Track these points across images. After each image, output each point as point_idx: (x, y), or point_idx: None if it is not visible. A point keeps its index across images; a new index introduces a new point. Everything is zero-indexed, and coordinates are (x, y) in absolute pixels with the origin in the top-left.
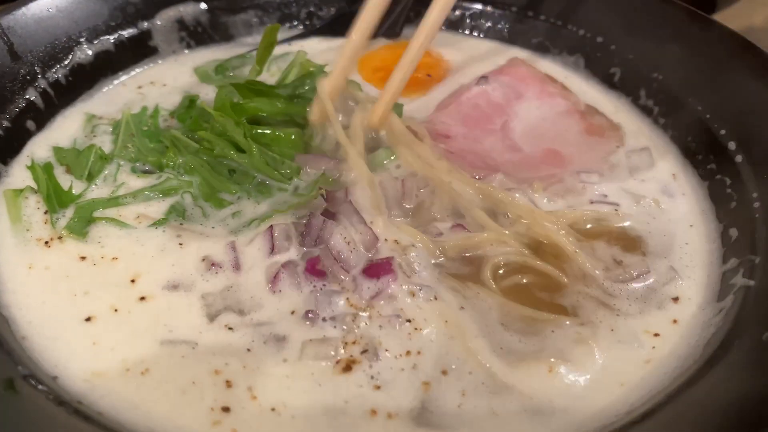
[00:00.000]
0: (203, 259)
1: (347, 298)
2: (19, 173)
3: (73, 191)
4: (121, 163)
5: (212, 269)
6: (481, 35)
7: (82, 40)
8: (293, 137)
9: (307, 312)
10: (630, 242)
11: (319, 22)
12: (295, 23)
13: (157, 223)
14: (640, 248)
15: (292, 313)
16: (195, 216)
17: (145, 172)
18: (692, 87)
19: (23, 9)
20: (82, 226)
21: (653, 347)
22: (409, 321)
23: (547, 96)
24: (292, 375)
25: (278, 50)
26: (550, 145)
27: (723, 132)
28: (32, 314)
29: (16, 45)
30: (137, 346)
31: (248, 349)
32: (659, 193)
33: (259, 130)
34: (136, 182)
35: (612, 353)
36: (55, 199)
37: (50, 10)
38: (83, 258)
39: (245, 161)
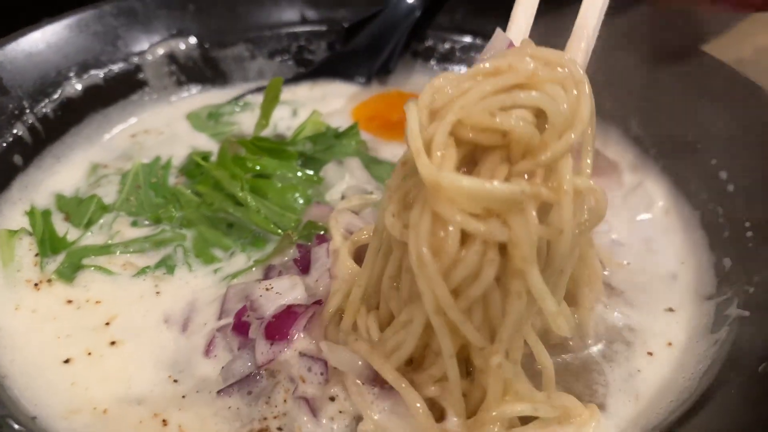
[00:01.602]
0: (165, 317)
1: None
2: (8, 211)
3: (68, 238)
4: (121, 213)
5: (167, 324)
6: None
7: (71, 74)
8: (299, 189)
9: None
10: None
11: (310, 55)
12: (286, 57)
13: (141, 272)
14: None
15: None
16: (182, 270)
17: (143, 224)
18: (682, 117)
19: (13, 44)
20: (71, 272)
21: (646, 382)
22: None
23: None
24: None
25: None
26: None
27: (714, 161)
28: (15, 354)
29: (5, 79)
30: (103, 388)
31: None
32: (654, 228)
33: (262, 182)
34: (131, 232)
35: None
36: (49, 244)
37: (40, 44)
38: (70, 302)
39: (242, 214)
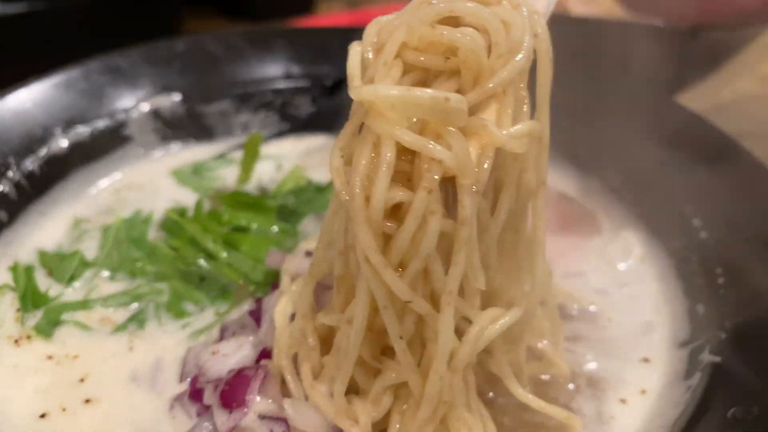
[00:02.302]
0: (133, 375)
1: None
2: None
3: (51, 293)
4: (104, 270)
5: (136, 382)
6: None
7: (57, 131)
8: (274, 241)
9: None
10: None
11: (294, 110)
12: (271, 112)
13: (118, 329)
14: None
15: None
16: (152, 324)
17: (121, 279)
18: (657, 167)
19: (0, 102)
20: (50, 328)
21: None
22: None
23: None
24: None
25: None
26: None
27: (688, 209)
28: None
29: None
30: None
31: None
32: (631, 276)
33: (237, 235)
34: (109, 287)
35: None
36: (31, 300)
37: (27, 103)
38: (50, 357)
39: (213, 267)
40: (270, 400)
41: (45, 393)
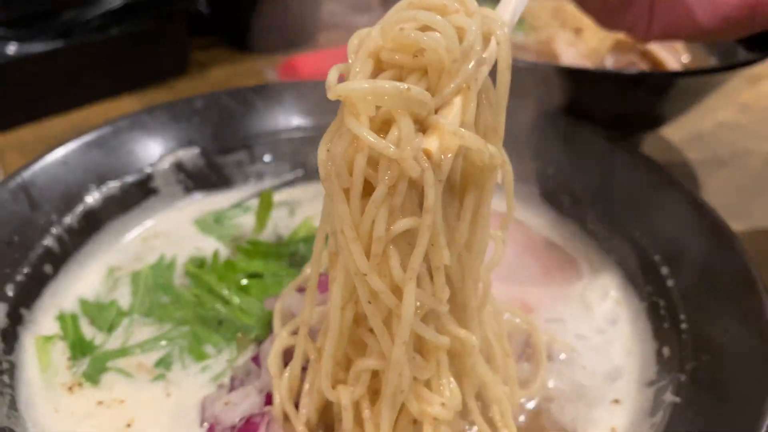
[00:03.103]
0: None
1: None
2: (42, 318)
3: (96, 341)
4: (137, 317)
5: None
6: None
7: (92, 186)
8: (282, 284)
9: None
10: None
11: (303, 157)
12: (282, 160)
13: (156, 378)
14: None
15: None
16: (176, 368)
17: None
18: (628, 215)
19: (40, 162)
20: (96, 374)
21: None
22: None
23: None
24: None
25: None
26: (518, 296)
27: (657, 257)
28: None
29: (35, 196)
30: None
31: None
32: (606, 319)
33: (252, 282)
34: (142, 333)
35: None
36: (79, 348)
37: (63, 162)
38: (100, 403)
39: (228, 311)
40: None
41: None
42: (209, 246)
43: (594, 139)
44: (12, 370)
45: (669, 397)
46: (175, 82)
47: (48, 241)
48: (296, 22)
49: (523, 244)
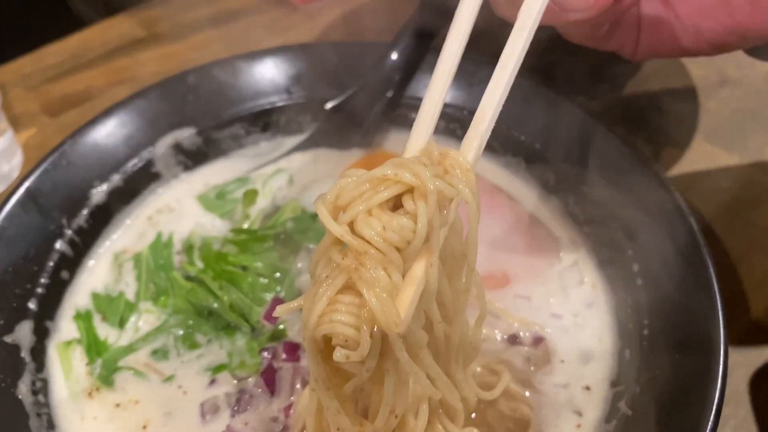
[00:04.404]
0: (202, 406)
1: None
2: (65, 325)
3: (109, 340)
4: (143, 306)
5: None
6: (441, 138)
7: (96, 182)
8: (266, 286)
9: None
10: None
11: (298, 126)
12: (276, 130)
13: (167, 380)
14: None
15: None
16: (173, 356)
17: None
18: (607, 204)
19: (43, 166)
20: (109, 375)
21: None
22: None
23: (497, 208)
24: None
25: (269, 169)
26: (500, 266)
27: (630, 252)
28: None
29: (43, 204)
30: None
31: None
32: (581, 306)
33: (239, 275)
34: (147, 325)
35: None
36: (95, 350)
37: (65, 162)
38: (118, 405)
39: (218, 305)
40: None
41: None
42: (210, 223)
43: (582, 120)
44: (45, 387)
45: (623, 407)
46: None
47: (61, 246)
48: None
49: (512, 221)
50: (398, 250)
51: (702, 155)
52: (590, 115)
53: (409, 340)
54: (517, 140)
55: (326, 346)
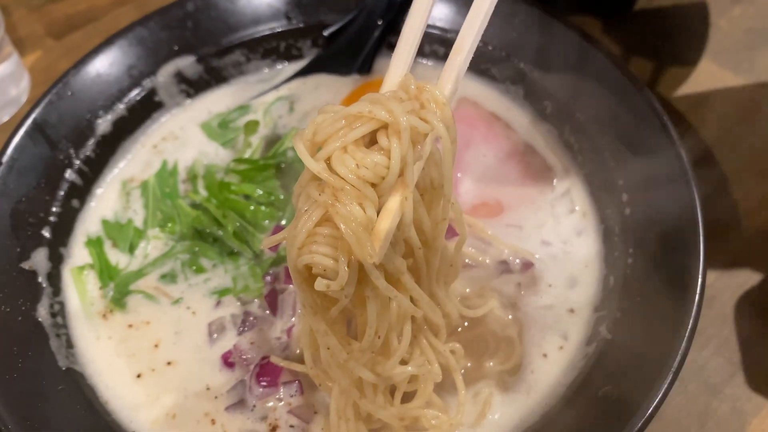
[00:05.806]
0: (210, 326)
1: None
2: (78, 251)
3: (120, 265)
4: (151, 233)
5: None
6: (429, 62)
7: (100, 112)
8: (267, 213)
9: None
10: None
11: (298, 52)
12: (276, 56)
13: (175, 302)
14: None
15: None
16: (180, 280)
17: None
18: (601, 132)
19: (48, 98)
20: (121, 298)
21: (538, 383)
22: None
23: (492, 137)
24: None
25: (270, 96)
26: (494, 195)
27: (621, 182)
28: (106, 378)
29: (51, 135)
30: (168, 398)
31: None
32: (571, 233)
33: (242, 203)
34: (156, 250)
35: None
36: (107, 274)
37: (70, 93)
38: (130, 326)
39: (223, 232)
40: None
41: (133, 357)
42: (213, 152)
43: (579, 45)
44: (62, 310)
45: (603, 331)
46: None
47: (70, 176)
48: None
49: (507, 149)
50: (373, 185)
51: (708, 75)
52: (587, 40)
53: (388, 269)
54: (516, 67)
55: (310, 275)
